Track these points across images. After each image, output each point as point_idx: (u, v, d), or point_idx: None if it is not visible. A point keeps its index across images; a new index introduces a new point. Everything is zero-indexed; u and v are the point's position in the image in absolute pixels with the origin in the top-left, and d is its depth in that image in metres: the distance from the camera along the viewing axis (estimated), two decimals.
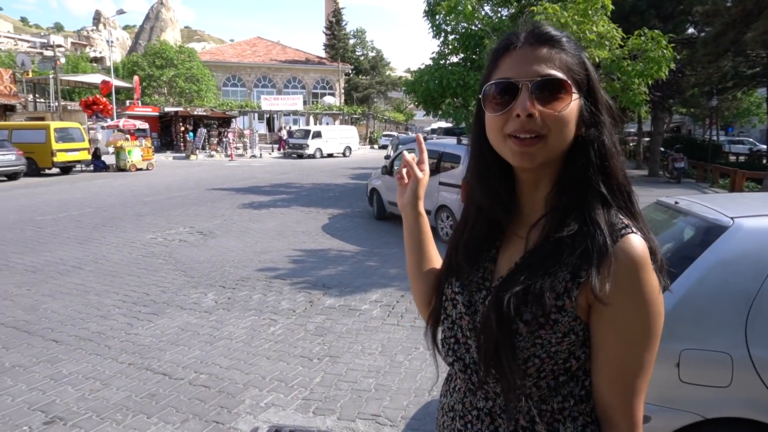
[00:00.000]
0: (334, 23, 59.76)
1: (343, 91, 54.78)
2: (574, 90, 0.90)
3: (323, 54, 59.72)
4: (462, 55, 16.00)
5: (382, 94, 60.51)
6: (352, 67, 58.31)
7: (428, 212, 9.17)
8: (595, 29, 12.32)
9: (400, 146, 16.67)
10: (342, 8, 61.92)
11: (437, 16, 15.68)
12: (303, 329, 5.06)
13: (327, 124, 43.19)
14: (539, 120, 0.88)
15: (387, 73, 64.00)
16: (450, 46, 16.12)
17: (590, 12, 12.33)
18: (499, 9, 16.24)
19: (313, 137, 31.92)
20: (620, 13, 16.92)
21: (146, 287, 6.38)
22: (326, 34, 61.11)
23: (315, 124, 43.63)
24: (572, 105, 0.90)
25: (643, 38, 12.29)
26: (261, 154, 32.65)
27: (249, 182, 17.96)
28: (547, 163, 0.92)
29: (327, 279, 6.67)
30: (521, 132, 0.89)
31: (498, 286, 0.94)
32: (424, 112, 20.02)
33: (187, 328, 5.09)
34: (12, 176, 18.62)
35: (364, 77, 61.21)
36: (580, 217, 0.90)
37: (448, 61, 15.78)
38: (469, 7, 13.75)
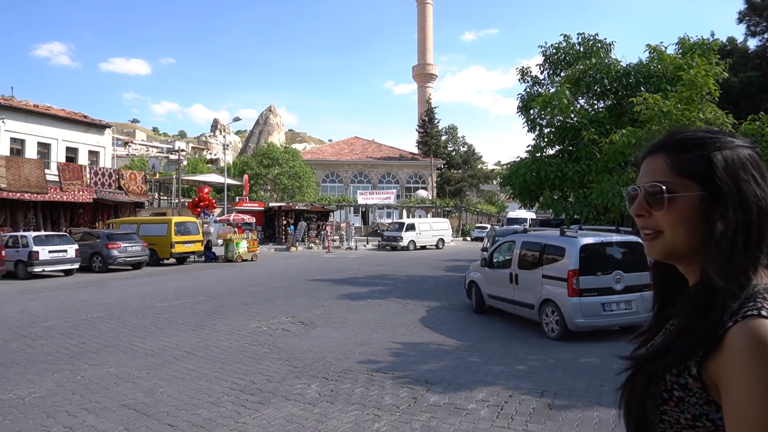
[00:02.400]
0: (427, 121, 62.56)
1: (435, 184, 56.08)
2: (681, 192, 0.97)
3: (416, 150, 62.19)
4: (558, 147, 16.00)
5: (474, 187, 61.14)
6: (444, 161, 60.00)
7: (531, 306, 8.81)
8: (702, 116, 11.91)
9: (497, 238, 16.49)
10: (434, 107, 64.96)
11: (531, 111, 15.97)
12: (408, 427, 4.87)
13: (420, 216, 43.96)
14: (656, 219, 0.99)
15: (479, 166, 65.03)
16: (546, 139, 16.22)
17: (695, 99, 11.99)
18: (596, 101, 16.27)
19: (406, 230, 32.48)
20: (728, 99, 16.32)
21: (253, 375, 6.53)
22: (419, 132, 63.94)
23: (408, 216, 44.56)
24: (683, 204, 0.96)
25: (758, 123, 11.66)
26: (356, 246, 33.59)
27: (346, 273, 18.39)
28: (683, 255, 1.00)
29: (429, 374, 6.47)
30: (642, 228, 1.03)
31: (635, 360, 1.03)
32: (519, 205, 19.87)
33: (292, 419, 5.08)
34: (137, 265, 20.47)
35: (456, 171, 62.53)
36: (705, 297, 0.94)
37: (544, 154, 15.82)
38: (564, 101, 13.89)
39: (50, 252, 17.74)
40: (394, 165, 55.67)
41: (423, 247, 32.66)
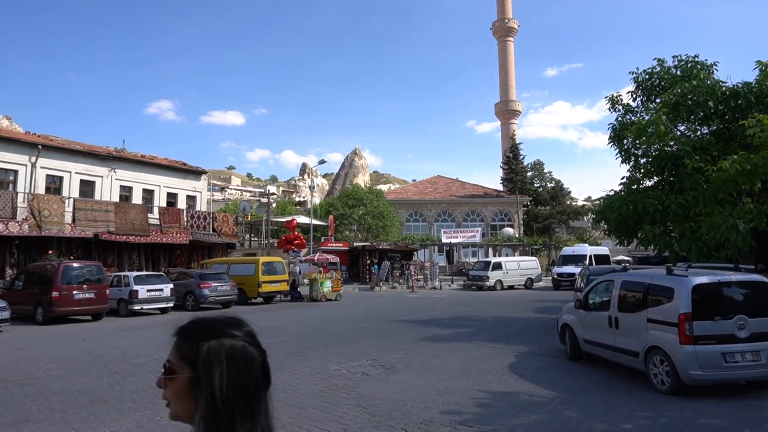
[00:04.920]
0: (512, 158, 61.29)
1: (522, 222, 54.31)
2: (178, 373, 1.14)
3: (501, 187, 60.87)
4: (657, 179, 14.77)
5: (563, 224, 58.48)
6: (531, 198, 58.13)
7: (635, 354, 7.85)
8: None
9: (590, 277, 15.30)
10: (519, 143, 63.66)
11: (625, 141, 14.93)
12: None
13: (506, 255, 42.50)
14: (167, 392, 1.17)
15: (567, 202, 62.32)
16: (642, 170, 15.04)
17: None
18: (698, 127, 14.94)
19: (493, 269, 31.39)
20: None
21: (328, 423, 6.19)
22: (504, 169, 62.68)
23: (494, 255, 43.24)
24: (178, 383, 1.14)
25: None
26: (441, 286, 32.87)
27: (430, 314, 17.82)
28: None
29: (520, 429, 5.80)
30: (163, 398, 1.19)
31: None
32: (616, 241, 18.47)
33: None
34: (226, 304, 21.12)
35: (543, 207, 60.32)
36: None
37: (641, 186, 14.64)
38: (662, 127, 12.80)
39: (148, 291, 18.74)
40: (479, 203, 54.71)
41: (511, 287, 31.33)
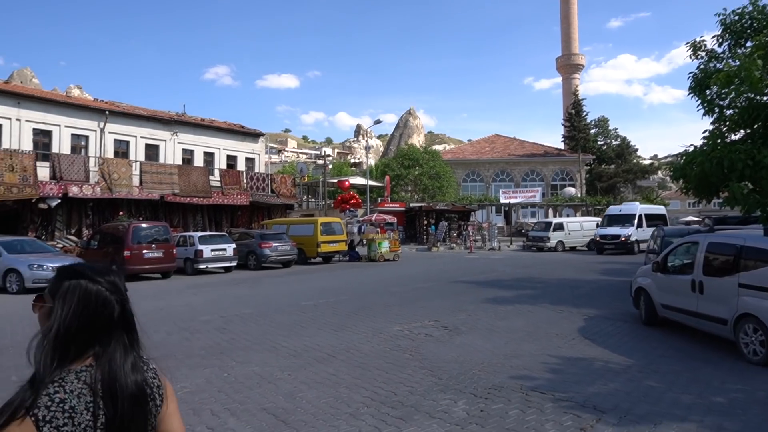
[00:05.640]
0: (574, 114, 58.58)
1: (584, 181, 52.23)
2: (46, 302, 1.45)
3: (562, 146, 58.53)
4: (746, 131, 13.47)
5: (629, 183, 55.83)
6: (594, 157, 55.62)
7: (722, 321, 7.25)
8: None
9: (665, 238, 14.37)
10: (582, 99, 60.63)
11: (708, 91, 13.65)
12: None
13: (568, 215, 41.08)
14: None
15: (634, 160, 59.27)
16: (728, 122, 13.76)
17: None
18: None
19: (554, 229, 30.42)
20: None
21: (394, 385, 6.05)
22: (565, 126, 60.11)
23: (555, 216, 41.92)
24: (43, 309, 1.44)
25: None
26: (500, 247, 32.24)
27: (490, 275, 17.44)
28: None
29: (598, 399, 5.44)
30: None
31: None
32: (693, 200, 17.26)
33: None
34: (286, 264, 21.51)
35: (607, 166, 57.70)
36: None
37: (726, 140, 13.41)
38: (756, 74, 11.53)
39: (212, 250, 19.28)
40: (539, 162, 52.89)
41: (572, 248, 30.31)
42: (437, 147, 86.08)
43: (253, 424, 4.93)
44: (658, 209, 31.66)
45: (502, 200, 42.66)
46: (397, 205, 38.35)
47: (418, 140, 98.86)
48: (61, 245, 20.67)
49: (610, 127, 61.84)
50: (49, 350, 1.35)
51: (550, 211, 45.02)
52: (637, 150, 60.69)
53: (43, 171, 21.92)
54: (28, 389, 1.31)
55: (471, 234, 32.13)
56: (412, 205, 40.07)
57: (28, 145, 23.71)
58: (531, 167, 53.09)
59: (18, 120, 24.02)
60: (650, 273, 9.31)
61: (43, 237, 21.19)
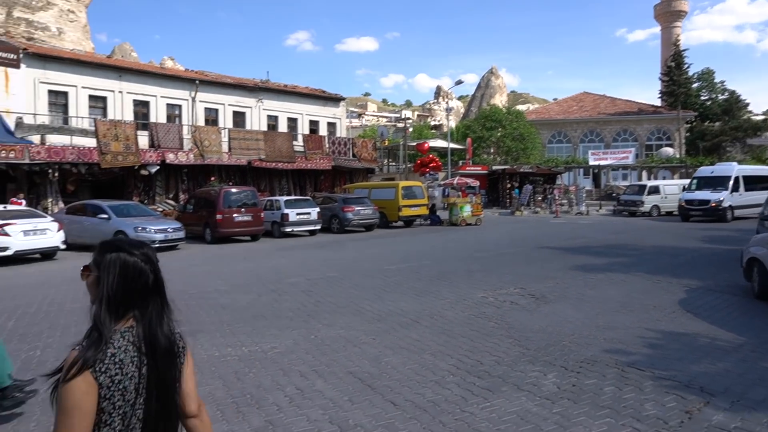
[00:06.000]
0: (674, 67, 53.82)
1: (684, 140, 48.33)
2: (92, 272, 1.70)
3: (659, 103, 54.24)
4: None
5: (737, 142, 50.94)
6: (696, 113, 51.15)
7: None
8: None
9: None
10: (683, 50, 55.48)
11: None
12: None
13: (663, 178, 38.30)
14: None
15: (744, 116, 53.82)
16: None
17: None
18: None
19: (648, 193, 28.49)
20: None
21: (479, 354, 5.92)
22: (663, 81, 55.45)
23: (649, 178, 39.26)
24: (91, 278, 1.69)
25: None
26: (588, 211, 30.77)
27: (578, 241, 16.68)
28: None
29: (705, 379, 5.01)
30: None
31: None
32: None
33: (527, 417, 4.30)
34: (369, 227, 21.77)
35: (712, 123, 52.88)
36: None
37: None
38: None
39: (298, 214, 19.87)
40: (632, 120, 49.49)
41: (669, 213, 28.31)
42: (520, 107, 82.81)
43: (339, 387, 5.02)
44: (761, 170, 27.42)
45: (591, 162, 40.43)
46: (479, 168, 37.51)
47: (500, 100, 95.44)
48: (161, 209, 22.14)
49: (715, 81, 56.43)
50: (105, 313, 1.61)
51: (644, 174, 42.18)
52: (747, 104, 54.99)
53: (143, 139, 23.39)
54: (92, 344, 1.55)
55: (557, 198, 30.86)
56: (494, 167, 39.03)
57: (129, 116, 25.36)
58: (623, 126, 49.81)
59: (120, 92, 25.68)
60: (767, 242, 8.42)
61: (145, 201, 22.78)
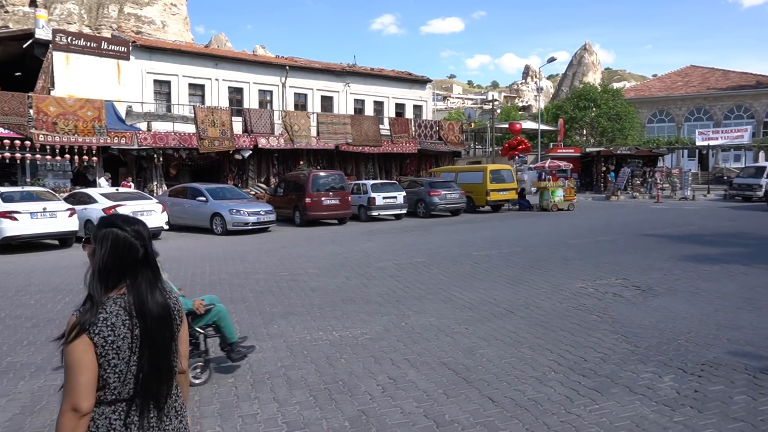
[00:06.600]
0: None
1: None
2: (90, 245, 1.92)
3: None
4: None
5: None
6: None
7: None
8: None
9: None
10: None
11: None
12: None
13: None
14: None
15: None
16: None
17: None
18: None
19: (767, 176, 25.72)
20: None
21: (582, 349, 5.49)
22: None
23: (767, 159, 35.49)
24: (90, 249, 1.98)
25: None
26: (693, 196, 28.35)
27: (685, 229, 15.35)
28: None
29: None
30: None
31: None
32: None
33: (643, 424, 3.88)
34: (455, 212, 21.37)
35: None
36: None
37: None
38: None
39: (384, 198, 19.85)
40: (748, 95, 44.84)
41: None
42: (616, 85, 77.85)
43: (433, 379, 4.82)
44: None
45: (699, 142, 37.08)
46: (572, 151, 35.66)
47: (593, 78, 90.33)
48: (253, 192, 23.01)
49: None
50: (97, 282, 1.81)
51: (761, 155, 38.20)
52: None
53: (237, 125, 24.34)
54: (87, 311, 1.77)
55: (658, 181, 28.68)
56: (588, 150, 36.96)
57: (224, 102, 26.48)
58: (737, 102, 45.30)
59: (216, 80, 26.86)
60: None
61: (239, 185, 23.77)
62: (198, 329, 4.90)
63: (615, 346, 5.58)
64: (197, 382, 4.75)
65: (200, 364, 4.83)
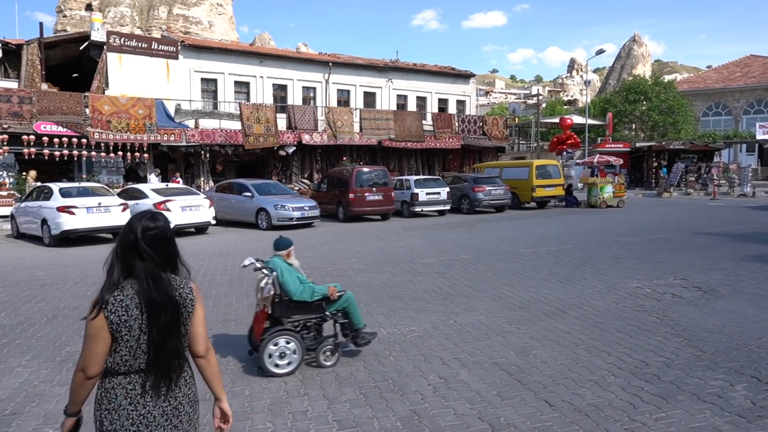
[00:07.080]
0: None
1: None
2: None
3: None
4: None
5: None
6: None
7: None
8: None
9: None
10: None
11: None
12: None
13: None
14: None
15: None
16: None
17: None
18: None
19: None
20: None
21: (643, 352, 5.22)
22: None
23: None
24: None
25: None
26: (753, 193, 26.92)
27: (747, 227, 14.56)
28: None
29: None
30: None
31: None
32: None
33: None
34: (500, 208, 20.99)
35: None
36: None
37: None
38: None
39: (427, 194, 19.67)
40: None
41: None
42: (667, 77, 74.86)
43: (486, 380, 4.68)
44: None
45: (759, 136, 35.19)
46: (621, 146, 34.47)
47: (643, 71, 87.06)
48: (297, 188, 23.24)
49: None
50: (111, 267, 2.10)
51: None
52: None
53: (281, 122, 24.62)
54: (105, 293, 2.04)
55: (715, 177, 27.37)
56: (638, 144, 35.66)
57: (269, 99, 26.84)
58: None
59: (261, 77, 27.25)
60: None
61: (283, 180, 24.05)
62: (329, 314, 5.17)
63: (678, 351, 5.28)
64: (328, 364, 5.01)
65: (330, 347, 5.06)
